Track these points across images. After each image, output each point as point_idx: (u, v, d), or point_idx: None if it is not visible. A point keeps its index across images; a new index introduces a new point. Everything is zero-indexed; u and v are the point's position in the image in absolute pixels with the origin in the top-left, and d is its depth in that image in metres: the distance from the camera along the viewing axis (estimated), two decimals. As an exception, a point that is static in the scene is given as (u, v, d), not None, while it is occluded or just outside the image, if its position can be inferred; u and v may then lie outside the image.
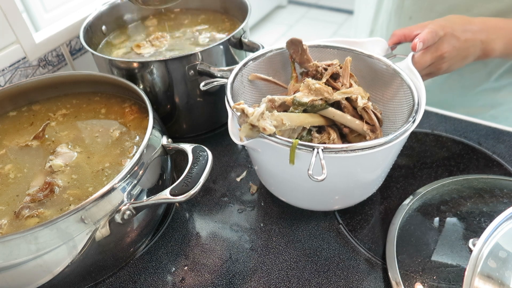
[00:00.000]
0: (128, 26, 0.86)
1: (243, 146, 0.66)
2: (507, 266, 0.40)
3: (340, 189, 0.56)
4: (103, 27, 0.80)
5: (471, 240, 0.43)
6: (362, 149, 0.47)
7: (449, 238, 0.55)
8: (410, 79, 0.56)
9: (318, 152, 0.45)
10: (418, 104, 0.53)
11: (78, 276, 0.50)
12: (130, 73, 0.67)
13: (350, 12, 3.12)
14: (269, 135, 0.48)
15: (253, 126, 0.47)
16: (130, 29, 0.85)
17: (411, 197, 0.62)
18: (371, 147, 0.47)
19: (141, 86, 0.68)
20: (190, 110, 0.72)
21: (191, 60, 0.64)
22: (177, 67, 0.64)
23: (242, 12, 0.78)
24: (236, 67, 0.59)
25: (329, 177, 0.46)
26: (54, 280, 0.48)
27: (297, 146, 0.47)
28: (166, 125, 0.74)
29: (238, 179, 0.69)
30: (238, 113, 0.49)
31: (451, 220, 0.58)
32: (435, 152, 0.72)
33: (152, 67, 0.65)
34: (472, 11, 0.78)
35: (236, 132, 0.50)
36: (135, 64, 0.65)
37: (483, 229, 0.43)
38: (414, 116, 0.51)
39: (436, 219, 0.58)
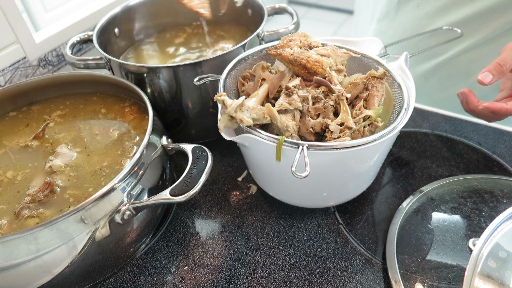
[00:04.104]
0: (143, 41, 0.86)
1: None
2: (507, 266, 0.40)
3: (327, 185, 0.56)
4: (116, 30, 0.80)
5: (471, 240, 0.43)
6: (349, 147, 0.47)
7: (449, 238, 0.55)
8: (401, 79, 0.56)
9: (302, 149, 0.46)
10: (407, 104, 0.53)
11: (78, 276, 0.50)
12: (139, 77, 0.66)
13: (350, 12, 3.12)
14: (249, 126, 0.50)
15: (232, 117, 0.49)
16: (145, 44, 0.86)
17: (411, 197, 0.62)
18: (358, 145, 0.47)
19: (149, 91, 0.67)
20: (198, 116, 0.71)
21: (200, 67, 0.64)
22: (185, 74, 0.64)
23: (254, 18, 0.78)
24: (230, 65, 0.60)
25: (315, 173, 0.46)
26: (54, 281, 0.48)
27: (283, 143, 0.47)
28: (173, 130, 0.73)
29: (239, 179, 0.69)
30: (220, 105, 0.51)
31: (451, 220, 0.58)
32: (435, 152, 0.72)
33: (160, 72, 0.64)
34: (476, 1, 0.78)
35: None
36: (144, 69, 0.65)
37: (483, 229, 0.43)
38: (402, 116, 0.51)
39: (436, 219, 0.58)
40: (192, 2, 0.54)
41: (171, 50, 0.82)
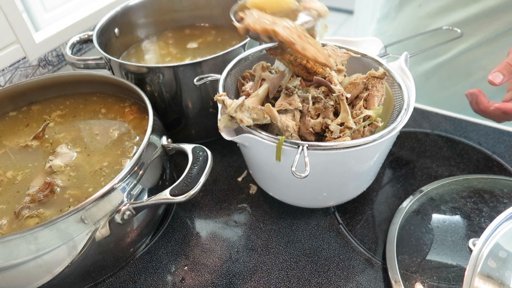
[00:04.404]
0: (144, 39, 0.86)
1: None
2: (507, 266, 0.40)
3: (327, 185, 0.56)
4: (116, 30, 0.79)
5: (471, 240, 0.43)
6: (349, 147, 0.47)
7: (449, 238, 0.55)
8: (401, 79, 0.56)
9: (302, 149, 0.46)
10: (407, 104, 0.53)
11: (78, 276, 0.50)
12: (139, 77, 0.66)
13: (350, 12, 3.12)
14: (249, 126, 0.50)
15: (232, 117, 0.49)
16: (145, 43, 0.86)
17: (411, 197, 0.62)
18: (358, 145, 0.47)
19: (149, 91, 0.67)
20: (198, 116, 0.71)
21: (200, 67, 0.64)
22: (185, 74, 0.64)
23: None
24: (230, 65, 0.60)
25: (315, 173, 0.46)
26: (54, 281, 0.48)
27: (283, 143, 0.48)
28: (173, 130, 0.73)
29: (239, 179, 0.69)
30: (220, 105, 0.51)
31: (451, 220, 0.58)
32: (435, 152, 0.72)
33: (160, 72, 0.64)
34: (478, 1, 0.78)
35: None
36: (144, 69, 0.65)
37: (483, 229, 0.43)
38: (402, 116, 0.51)
39: (436, 219, 0.58)
40: (315, 54, 0.51)
41: (171, 50, 0.82)
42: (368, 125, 0.53)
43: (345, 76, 0.58)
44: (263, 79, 0.57)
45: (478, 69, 0.85)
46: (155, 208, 0.57)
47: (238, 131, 0.54)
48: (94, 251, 0.49)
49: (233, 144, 0.53)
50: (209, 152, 0.52)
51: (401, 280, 0.51)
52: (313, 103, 0.53)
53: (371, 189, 0.65)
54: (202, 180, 0.48)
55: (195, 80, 0.59)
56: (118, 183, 0.48)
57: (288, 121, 0.52)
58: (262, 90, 0.55)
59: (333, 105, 0.53)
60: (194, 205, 0.66)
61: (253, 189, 0.68)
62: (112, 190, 0.47)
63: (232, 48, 0.65)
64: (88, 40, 0.76)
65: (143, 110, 0.65)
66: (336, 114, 0.53)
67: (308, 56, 0.51)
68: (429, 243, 0.55)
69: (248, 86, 0.59)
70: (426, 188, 0.63)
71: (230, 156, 0.74)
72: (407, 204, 0.61)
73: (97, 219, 0.47)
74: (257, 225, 0.62)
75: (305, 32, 0.52)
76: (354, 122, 0.51)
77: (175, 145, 0.57)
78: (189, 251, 0.59)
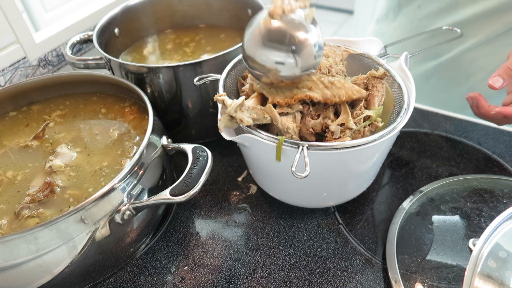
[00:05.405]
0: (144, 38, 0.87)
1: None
2: (507, 266, 0.40)
3: (327, 185, 0.56)
4: (116, 30, 0.79)
5: (471, 240, 0.43)
6: (349, 147, 0.47)
7: (449, 238, 0.55)
8: (401, 79, 0.56)
9: (302, 149, 0.46)
10: (407, 104, 0.53)
11: (78, 276, 0.50)
12: (139, 77, 0.66)
13: (350, 12, 3.12)
14: (249, 127, 0.50)
15: (232, 117, 0.49)
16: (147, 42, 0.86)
17: (411, 197, 0.62)
18: (358, 145, 0.47)
19: (149, 91, 0.67)
20: (198, 116, 0.71)
21: (200, 67, 0.64)
22: (185, 74, 0.64)
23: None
24: (229, 65, 0.60)
25: (315, 173, 0.46)
26: (54, 280, 0.48)
27: (283, 143, 0.47)
28: (173, 130, 0.73)
29: (239, 179, 0.69)
30: (220, 105, 0.51)
31: (451, 220, 0.58)
32: (435, 152, 0.72)
33: (160, 72, 0.64)
34: (478, 2, 0.78)
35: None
36: (144, 69, 0.64)
37: (483, 229, 0.43)
38: (402, 116, 0.51)
39: (436, 219, 0.58)
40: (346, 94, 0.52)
41: (171, 50, 0.82)
42: (368, 125, 0.53)
43: (345, 76, 0.58)
44: None
45: (478, 69, 0.85)
46: (155, 208, 0.57)
47: (238, 131, 0.54)
48: (94, 251, 0.49)
49: (233, 144, 0.53)
50: (209, 152, 0.52)
51: (401, 280, 0.51)
52: (314, 104, 0.53)
53: (371, 189, 0.65)
54: (202, 180, 0.48)
55: (195, 80, 0.59)
56: (118, 183, 0.48)
57: (288, 123, 0.52)
58: None
59: (333, 106, 0.53)
60: (194, 205, 0.66)
61: (253, 189, 0.68)
62: (112, 190, 0.47)
63: (232, 48, 0.65)
64: (88, 40, 0.76)
65: (143, 110, 0.65)
66: (337, 114, 0.53)
67: (340, 100, 0.51)
68: (429, 243, 0.55)
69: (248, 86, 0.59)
70: (426, 188, 0.63)
71: (230, 156, 0.74)
72: (407, 204, 0.61)
73: (97, 219, 0.47)
74: (257, 225, 0.62)
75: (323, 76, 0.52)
76: (355, 122, 0.51)
77: (175, 145, 0.57)
78: (189, 251, 0.59)
